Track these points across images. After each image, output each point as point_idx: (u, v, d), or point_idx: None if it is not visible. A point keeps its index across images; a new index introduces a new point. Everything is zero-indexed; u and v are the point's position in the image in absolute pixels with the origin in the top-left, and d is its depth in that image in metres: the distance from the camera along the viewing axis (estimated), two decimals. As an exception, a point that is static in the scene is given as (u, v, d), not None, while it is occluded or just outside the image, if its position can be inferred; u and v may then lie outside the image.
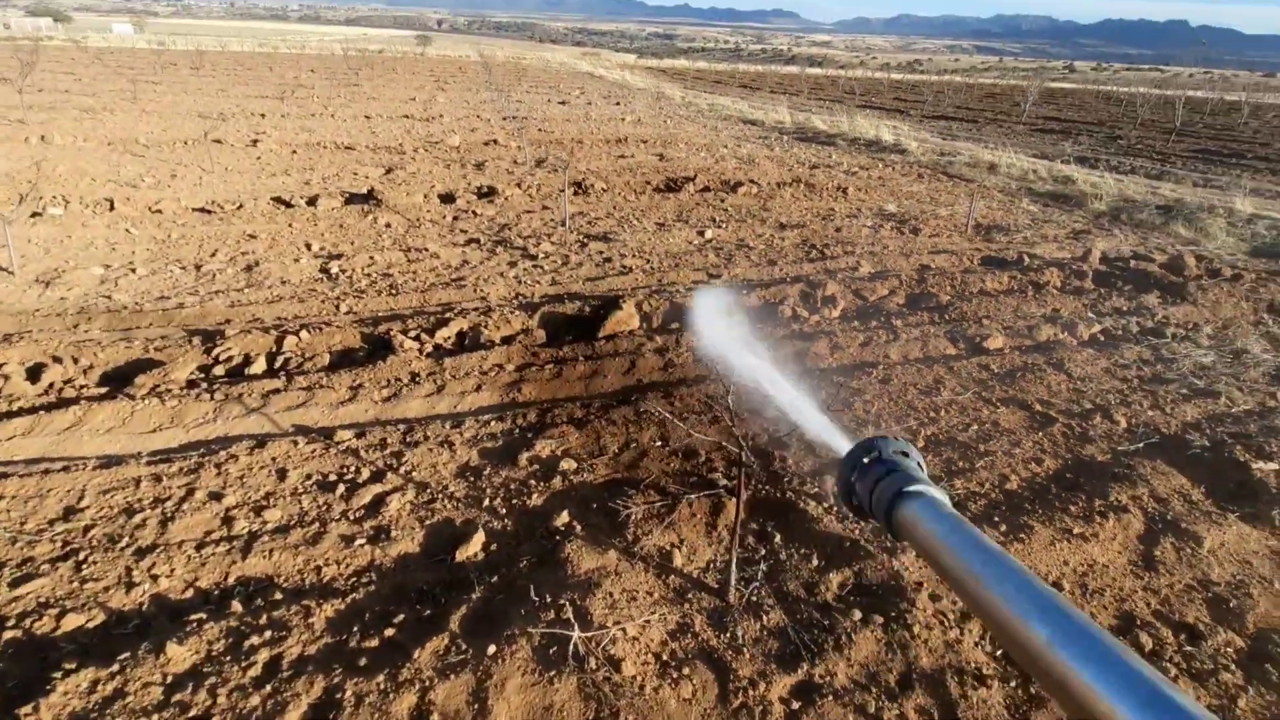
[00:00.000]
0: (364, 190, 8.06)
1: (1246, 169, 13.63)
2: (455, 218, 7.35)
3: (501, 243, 6.43)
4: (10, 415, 3.38)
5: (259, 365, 3.98)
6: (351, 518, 2.76)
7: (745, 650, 2.11)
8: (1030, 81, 33.88)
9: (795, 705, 1.94)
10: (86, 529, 2.67)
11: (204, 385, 3.69)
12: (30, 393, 3.62)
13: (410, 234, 6.71)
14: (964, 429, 3.49)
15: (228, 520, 2.72)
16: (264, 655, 2.09)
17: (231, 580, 2.45)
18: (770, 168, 11.00)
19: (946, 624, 2.24)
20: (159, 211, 7.22)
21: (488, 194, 8.22)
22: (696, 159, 11.52)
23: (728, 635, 2.16)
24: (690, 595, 2.33)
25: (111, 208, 7.19)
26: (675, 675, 2.00)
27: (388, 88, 21.84)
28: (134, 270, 5.51)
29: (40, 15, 63.37)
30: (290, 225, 6.90)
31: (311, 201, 7.63)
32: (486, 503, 2.85)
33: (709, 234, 6.94)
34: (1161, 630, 2.31)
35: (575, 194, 8.53)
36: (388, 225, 6.97)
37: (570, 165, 10.20)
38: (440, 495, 2.89)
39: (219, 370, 3.95)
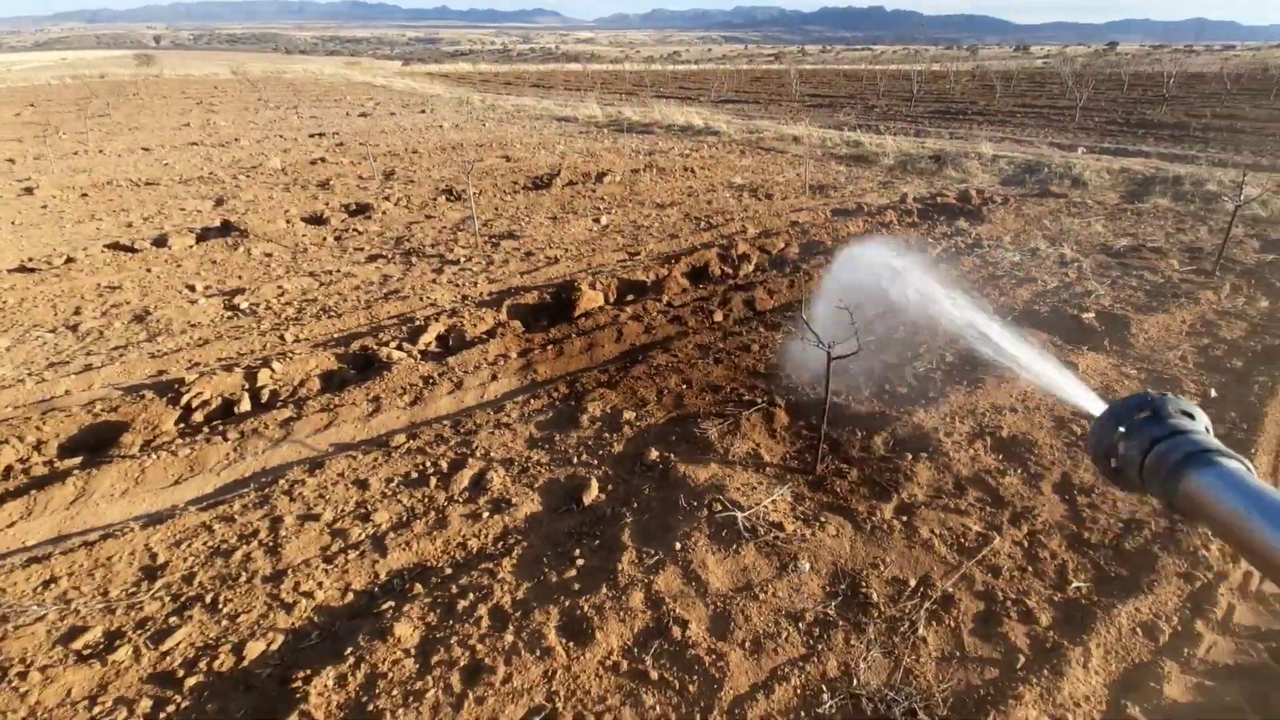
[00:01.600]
0: (216, 223, 7.35)
1: (969, 122, 17.16)
2: (338, 238, 7.05)
3: (412, 253, 6.38)
4: (-12, 503, 2.95)
5: (244, 404, 3.78)
6: (461, 499, 2.93)
7: (850, 496, 2.76)
8: (789, 65, 38.39)
9: (904, 519, 2.63)
10: (186, 579, 2.56)
11: (205, 431, 3.47)
12: (-14, 480, 3.15)
13: (300, 259, 6.36)
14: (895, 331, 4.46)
15: (338, 533, 2.76)
16: (483, 609, 2.30)
17: (384, 575, 2.56)
18: (614, 159, 11.70)
19: (963, 448, 3.09)
20: (-40, 278, 6.02)
21: (360, 211, 7.92)
22: (541, 157, 11.87)
23: (833, 491, 2.80)
24: (789, 476, 2.92)
25: (-111, 282, 5.84)
26: (818, 524, 2.59)
27: (146, 116, 19.02)
28: (18, 339, 4.70)
29: None
30: (149, 270, 6.16)
31: (160, 243, 6.82)
32: (576, 459, 3.18)
33: (604, 220, 7.45)
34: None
35: (447, 199, 8.52)
36: (268, 255, 6.52)
37: (424, 174, 10.04)
38: (530, 464, 3.15)
39: (198, 417, 3.70)
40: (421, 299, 5.23)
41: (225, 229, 7.16)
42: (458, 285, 5.53)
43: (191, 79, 38.34)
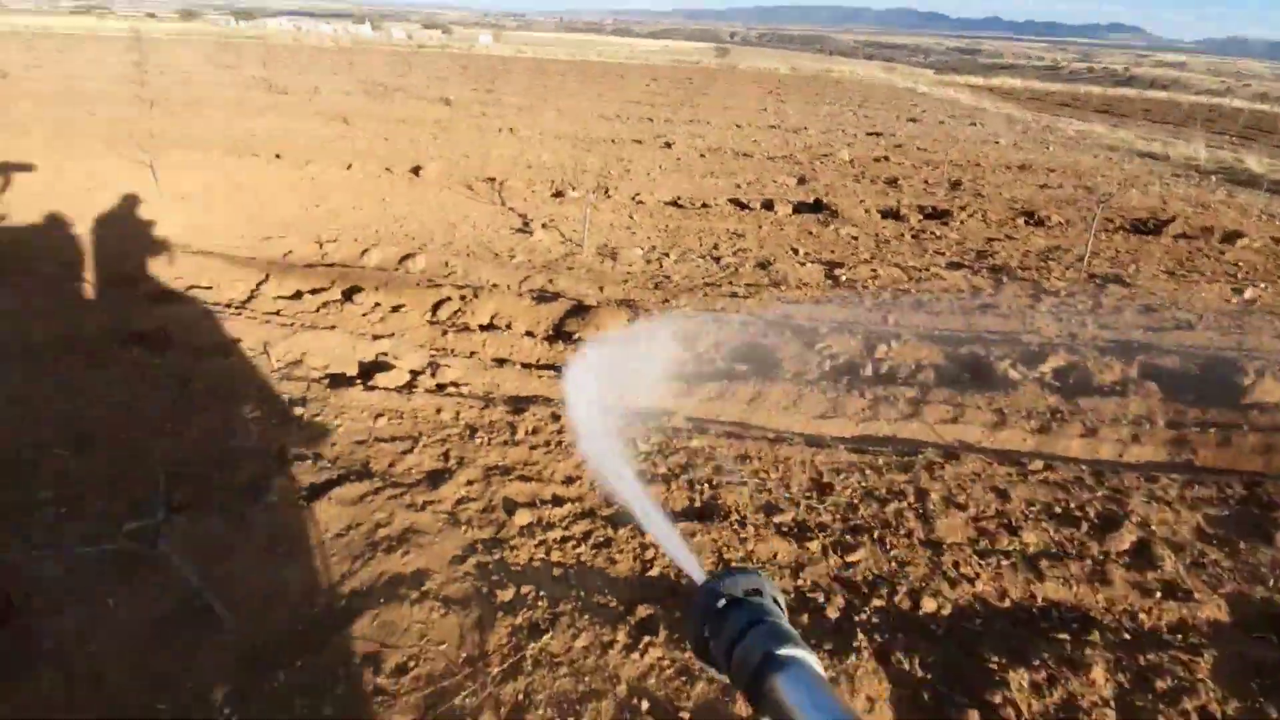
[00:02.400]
0: (809, 200, 8.35)
1: None
2: (915, 236, 7.23)
3: (999, 271, 6.12)
4: (698, 382, 3.92)
5: (867, 369, 4.16)
6: (1121, 563, 2.64)
7: None
8: None
9: None
10: (850, 507, 2.91)
11: (841, 381, 3.94)
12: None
13: (884, 249, 6.73)
14: None
15: (985, 533, 2.78)
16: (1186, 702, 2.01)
17: (1041, 599, 2.47)
18: (1238, 217, 9.13)
19: None
20: (641, 203, 8.23)
21: (935, 215, 7.97)
22: (1133, 197, 10.03)
23: None
24: None
25: (607, 194, 8.37)
26: None
27: (731, 99, 22.93)
28: (667, 255, 6.27)
29: (431, 28, 79.17)
30: (760, 228, 7.36)
31: (767, 206, 8.09)
32: (1273, 583, 2.54)
33: (1248, 293, 5.87)
34: None
35: (1027, 222, 7.90)
36: (854, 237, 7.09)
37: (993, 191, 9.54)
38: (1207, 562, 2.65)
39: (867, 372, 4.18)
40: (1023, 323, 4.95)
41: (817, 206, 8.08)
42: (1060, 319, 5.06)
43: (758, 70, 44.77)
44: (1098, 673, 2.10)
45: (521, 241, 6.33)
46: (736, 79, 34.44)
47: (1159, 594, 2.50)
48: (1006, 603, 2.46)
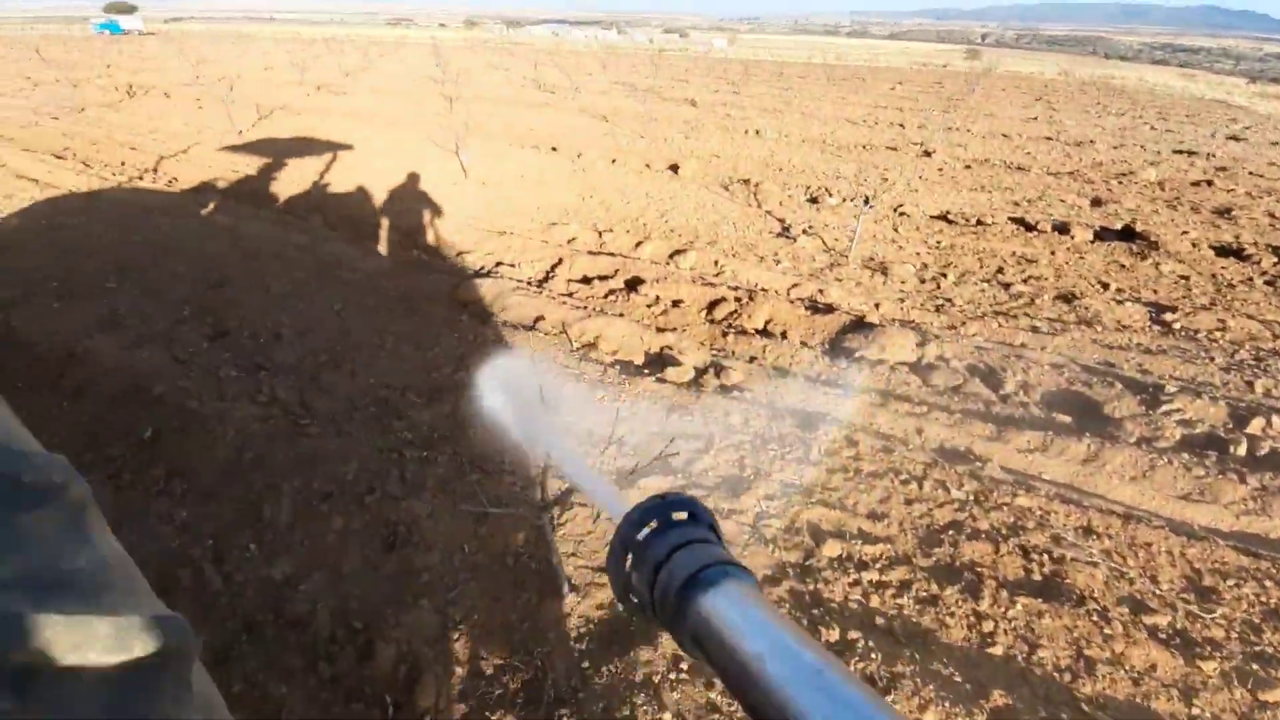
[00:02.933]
0: (1115, 226, 7.11)
1: None
2: (1268, 282, 5.78)
3: None
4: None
5: (1241, 448, 3.33)
6: None
7: None
8: None
9: None
10: (1248, 625, 2.29)
11: (1213, 458, 3.19)
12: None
13: (1228, 295, 5.46)
14: None
15: None
16: None
17: None
18: None
19: None
20: (905, 214, 7.62)
21: (1300, 259, 6.33)
22: None
23: None
24: None
25: (867, 203, 7.89)
26: None
27: (992, 104, 20.66)
28: (944, 275, 5.68)
29: (670, 33, 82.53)
30: (1052, 253, 6.40)
31: (1060, 229, 7.03)
32: None
33: None
34: None
35: None
36: (1183, 277, 5.85)
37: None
38: None
39: (1241, 451, 3.44)
40: None
41: (1128, 234, 6.84)
42: None
43: (1019, 75, 39.96)
44: None
45: (784, 246, 6.15)
46: (994, 83, 31.04)
47: None
48: None
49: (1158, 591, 2.42)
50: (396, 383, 3.46)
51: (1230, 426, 3.46)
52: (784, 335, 4.41)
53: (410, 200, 6.69)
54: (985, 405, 3.61)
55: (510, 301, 4.43)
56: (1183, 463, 3.09)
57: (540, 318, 4.24)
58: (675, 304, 4.57)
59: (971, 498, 2.87)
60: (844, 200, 8.06)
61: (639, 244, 5.71)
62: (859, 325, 4.40)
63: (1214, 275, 5.93)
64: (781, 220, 7.07)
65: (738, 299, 4.66)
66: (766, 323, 4.51)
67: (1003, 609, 2.29)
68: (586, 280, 4.95)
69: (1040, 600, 2.35)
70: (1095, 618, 2.28)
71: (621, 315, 4.34)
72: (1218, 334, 4.75)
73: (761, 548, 2.52)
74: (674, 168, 8.93)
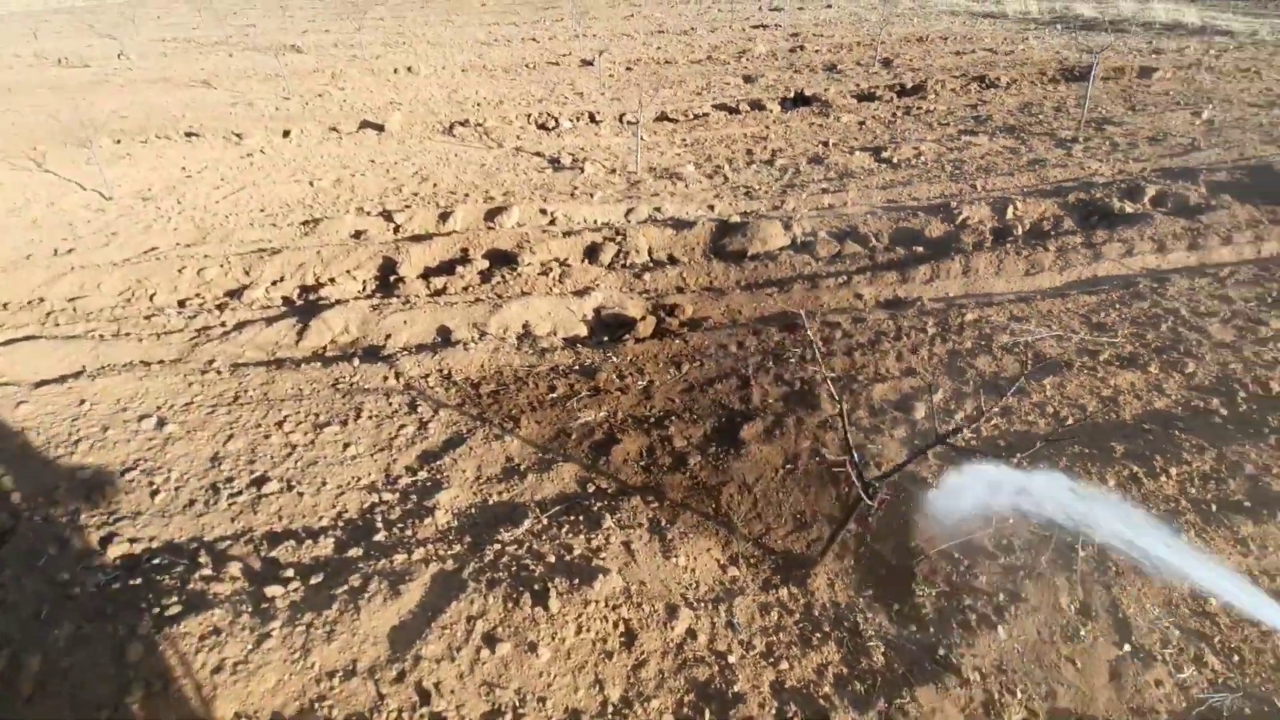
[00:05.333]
0: (791, 94, 8.44)
1: None
2: (906, 113, 7.61)
3: (1014, 130, 6.69)
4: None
5: (1019, 230, 4.51)
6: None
7: None
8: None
9: None
10: (1137, 339, 3.27)
11: (1025, 243, 4.25)
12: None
13: (897, 128, 7.05)
14: None
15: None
16: None
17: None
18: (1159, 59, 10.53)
19: None
20: (633, 123, 7.87)
21: (908, 93, 8.41)
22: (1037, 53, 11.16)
23: None
24: None
25: (593, 120, 7.89)
26: None
27: (593, 8, 21.84)
28: (720, 168, 6.15)
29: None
30: (767, 128, 7.37)
31: (756, 106, 8.07)
32: None
33: (1205, 114, 6.93)
34: None
35: (982, 86, 8.59)
36: (861, 123, 7.32)
37: (926, 64, 10.15)
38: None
39: (974, 235, 4.49)
40: (1082, 169, 5.53)
41: (804, 99, 8.20)
42: (1101, 160, 5.70)
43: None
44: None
45: (575, 178, 5.89)
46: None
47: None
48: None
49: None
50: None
51: (993, 216, 4.64)
52: (671, 260, 4.36)
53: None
54: (870, 258, 4.18)
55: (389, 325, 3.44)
56: (1015, 250, 4.07)
57: (445, 328, 3.43)
58: (562, 263, 4.11)
59: (950, 327, 3.37)
60: (574, 123, 7.93)
61: (445, 216, 4.87)
62: (727, 227, 4.57)
63: (874, 117, 7.55)
64: (539, 154, 6.70)
65: (608, 239, 4.39)
66: (650, 252, 4.39)
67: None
68: (437, 271, 4.09)
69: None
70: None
71: (530, 294, 3.75)
72: (914, 158, 6.15)
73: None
74: (371, 125, 7.61)
